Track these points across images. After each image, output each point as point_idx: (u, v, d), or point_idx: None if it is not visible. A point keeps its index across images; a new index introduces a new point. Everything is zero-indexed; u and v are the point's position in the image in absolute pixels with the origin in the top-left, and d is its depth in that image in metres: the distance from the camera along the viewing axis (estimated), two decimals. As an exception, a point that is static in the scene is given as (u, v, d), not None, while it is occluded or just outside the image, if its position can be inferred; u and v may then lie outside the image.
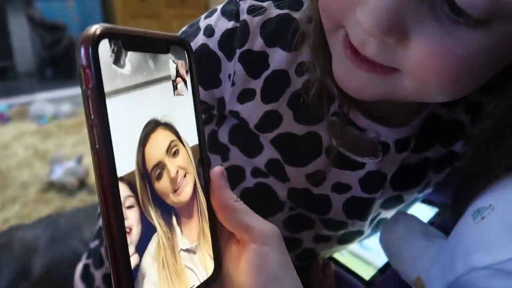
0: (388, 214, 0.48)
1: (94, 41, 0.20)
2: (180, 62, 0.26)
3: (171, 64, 0.26)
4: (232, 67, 0.37)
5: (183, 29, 0.43)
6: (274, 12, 0.36)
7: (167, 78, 0.25)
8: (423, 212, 0.56)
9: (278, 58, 0.36)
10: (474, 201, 0.34)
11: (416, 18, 0.25)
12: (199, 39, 0.39)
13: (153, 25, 3.60)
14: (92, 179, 1.71)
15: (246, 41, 0.37)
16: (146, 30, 0.24)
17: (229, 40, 0.37)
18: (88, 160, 1.82)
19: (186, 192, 0.26)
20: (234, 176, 0.43)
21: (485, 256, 0.31)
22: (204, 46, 0.38)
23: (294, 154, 0.39)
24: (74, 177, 1.72)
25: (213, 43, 0.38)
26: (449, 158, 0.43)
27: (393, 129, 0.38)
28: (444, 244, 0.38)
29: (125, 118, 0.22)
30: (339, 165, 0.39)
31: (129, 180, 0.22)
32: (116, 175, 0.20)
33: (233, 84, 0.38)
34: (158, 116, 0.24)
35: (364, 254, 0.56)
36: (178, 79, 0.26)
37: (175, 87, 0.26)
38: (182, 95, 0.26)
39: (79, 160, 1.80)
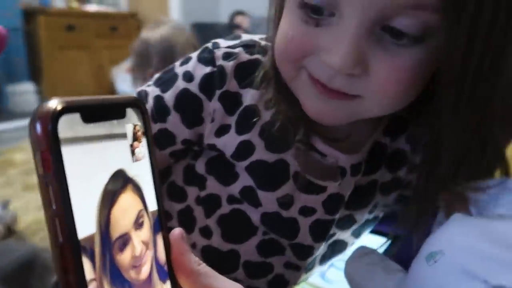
0: (343, 235, 0.51)
1: (54, 118, 0.18)
2: (136, 125, 0.25)
3: (128, 128, 0.24)
4: (212, 106, 0.42)
5: (157, 75, 0.46)
6: (245, 57, 0.42)
7: (125, 143, 0.24)
8: (375, 242, 0.60)
9: (249, 96, 0.42)
10: (426, 244, 0.38)
11: (371, 52, 0.32)
12: (180, 84, 0.43)
13: (82, 56, 3.47)
14: (21, 225, 1.57)
15: (224, 83, 0.42)
16: (102, 97, 0.22)
17: (209, 83, 0.42)
18: (17, 205, 1.67)
19: (145, 269, 0.24)
20: (211, 203, 0.46)
21: None
22: (186, 90, 0.43)
23: (266, 179, 0.44)
24: (0, 224, 1.57)
25: (194, 87, 0.43)
26: (395, 183, 0.49)
27: (349, 156, 0.44)
28: (401, 284, 0.41)
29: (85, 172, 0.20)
30: (305, 190, 0.44)
31: (86, 245, 0.19)
32: (84, 275, 0.18)
33: (212, 120, 0.43)
34: (126, 171, 0.23)
35: (326, 287, 0.59)
36: (135, 143, 0.25)
37: (133, 153, 0.25)
38: (141, 159, 0.25)
39: (6, 205, 1.64)
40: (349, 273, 0.48)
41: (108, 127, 0.23)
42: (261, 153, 0.43)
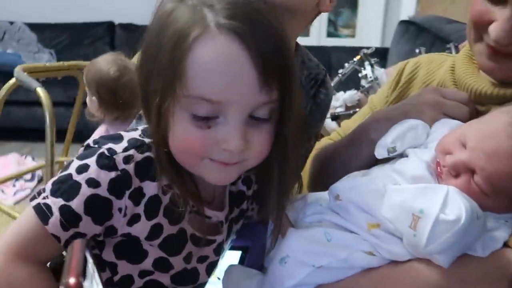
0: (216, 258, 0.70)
1: None
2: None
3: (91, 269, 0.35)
4: (123, 203, 0.51)
5: (50, 187, 0.51)
6: (139, 156, 0.53)
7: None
8: (233, 256, 0.81)
9: (149, 188, 0.53)
10: (276, 252, 0.62)
11: (248, 132, 0.49)
12: (86, 191, 0.50)
13: None
14: None
15: (131, 183, 0.51)
16: (76, 253, 0.33)
17: (117, 186, 0.51)
18: None
19: None
20: (124, 283, 0.56)
21: (291, 281, 0.59)
22: (95, 195, 0.50)
23: (174, 247, 0.57)
24: None
25: (102, 191, 0.50)
26: (241, 213, 0.71)
27: (222, 212, 0.63)
28: (261, 281, 0.64)
29: None
30: (202, 245, 0.60)
31: None
32: None
33: (125, 215, 0.52)
34: None
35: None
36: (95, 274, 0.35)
37: None
38: None
39: None
40: (226, 286, 0.68)
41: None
42: (168, 229, 0.55)
